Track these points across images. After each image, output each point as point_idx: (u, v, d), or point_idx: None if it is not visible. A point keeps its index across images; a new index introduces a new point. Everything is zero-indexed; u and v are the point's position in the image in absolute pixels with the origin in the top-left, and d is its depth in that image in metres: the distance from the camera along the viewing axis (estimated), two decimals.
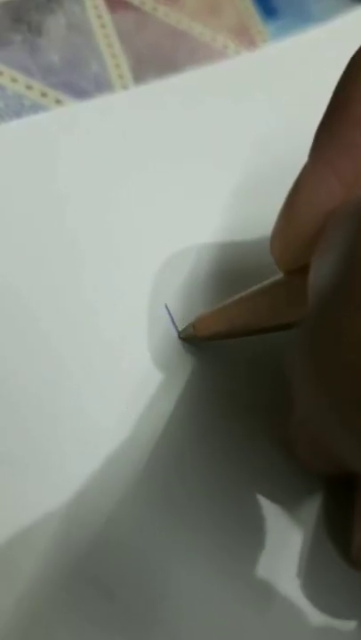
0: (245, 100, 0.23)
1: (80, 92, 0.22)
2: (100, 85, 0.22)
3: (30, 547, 0.15)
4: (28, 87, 0.22)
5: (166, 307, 0.18)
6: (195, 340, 0.18)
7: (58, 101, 0.22)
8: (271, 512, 0.17)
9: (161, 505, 0.16)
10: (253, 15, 0.26)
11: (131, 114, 0.22)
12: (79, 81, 0.22)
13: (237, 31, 0.26)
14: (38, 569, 0.15)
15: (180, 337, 0.18)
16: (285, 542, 0.16)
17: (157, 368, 0.18)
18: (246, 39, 0.26)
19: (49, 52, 0.23)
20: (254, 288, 0.15)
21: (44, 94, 0.22)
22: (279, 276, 0.15)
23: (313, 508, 0.17)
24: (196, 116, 0.22)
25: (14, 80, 0.22)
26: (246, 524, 0.16)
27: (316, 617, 0.16)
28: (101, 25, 0.24)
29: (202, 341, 0.18)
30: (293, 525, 0.17)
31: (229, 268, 0.19)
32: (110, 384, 0.17)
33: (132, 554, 0.15)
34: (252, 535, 0.16)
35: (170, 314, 0.18)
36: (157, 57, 0.24)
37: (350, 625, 0.16)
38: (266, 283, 0.15)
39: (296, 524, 0.17)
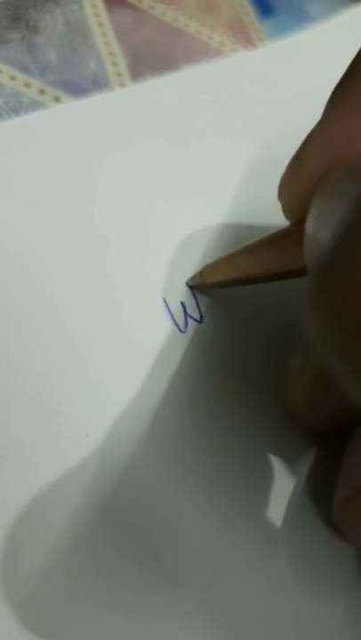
0: (242, 98, 0.23)
1: (78, 90, 0.22)
2: (98, 83, 0.23)
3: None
4: (27, 85, 0.22)
5: (164, 300, 0.19)
6: (202, 287, 0.18)
7: (56, 99, 0.22)
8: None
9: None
10: (250, 13, 0.26)
11: (129, 111, 0.22)
12: (77, 79, 0.23)
13: (234, 29, 0.26)
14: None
15: (187, 284, 0.19)
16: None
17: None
18: (243, 37, 0.26)
19: (47, 50, 0.23)
20: (261, 238, 0.16)
21: (42, 92, 0.22)
22: (285, 225, 0.16)
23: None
24: (194, 114, 0.22)
25: (12, 78, 0.22)
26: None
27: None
28: (99, 23, 0.24)
29: (208, 288, 0.19)
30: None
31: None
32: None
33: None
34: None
35: (167, 305, 0.19)
36: (155, 55, 0.24)
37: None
38: (272, 232, 0.16)
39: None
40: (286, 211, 0.15)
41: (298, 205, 0.15)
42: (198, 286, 0.19)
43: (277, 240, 0.16)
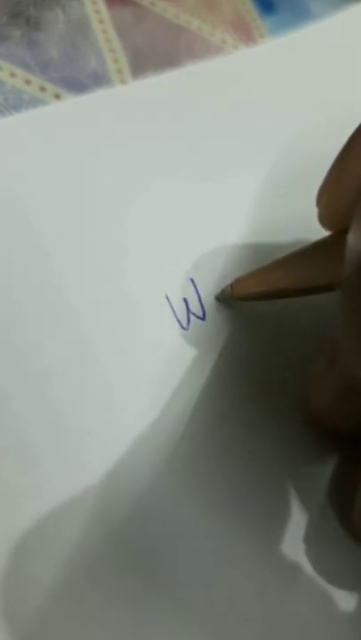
0: (244, 95, 0.23)
1: (79, 87, 0.22)
2: (99, 80, 0.22)
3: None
4: (27, 82, 0.22)
5: (166, 296, 0.18)
6: (231, 300, 0.18)
7: (57, 96, 0.22)
8: (286, 485, 0.17)
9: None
10: (251, 10, 0.26)
11: (129, 108, 0.22)
12: (78, 76, 0.22)
13: (236, 26, 0.26)
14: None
15: (216, 298, 0.19)
16: (295, 509, 0.17)
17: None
18: (244, 34, 0.26)
19: (47, 46, 0.23)
20: (292, 252, 0.16)
21: (42, 89, 0.22)
22: (320, 238, 0.15)
23: (324, 478, 0.17)
24: (195, 111, 0.22)
25: (13, 75, 0.22)
26: (262, 495, 0.17)
27: (318, 584, 0.16)
28: (100, 20, 0.24)
29: (238, 301, 0.18)
30: (305, 495, 0.17)
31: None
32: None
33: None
34: (268, 505, 0.17)
35: (169, 302, 0.19)
36: (156, 52, 0.24)
37: (351, 595, 0.16)
38: (306, 245, 0.15)
39: (306, 493, 0.17)
40: (323, 219, 0.15)
41: (335, 216, 0.14)
42: (227, 300, 0.18)
43: (311, 254, 0.15)
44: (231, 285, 0.18)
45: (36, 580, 0.15)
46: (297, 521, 0.17)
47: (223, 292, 0.18)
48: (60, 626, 0.15)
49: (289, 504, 0.17)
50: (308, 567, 0.16)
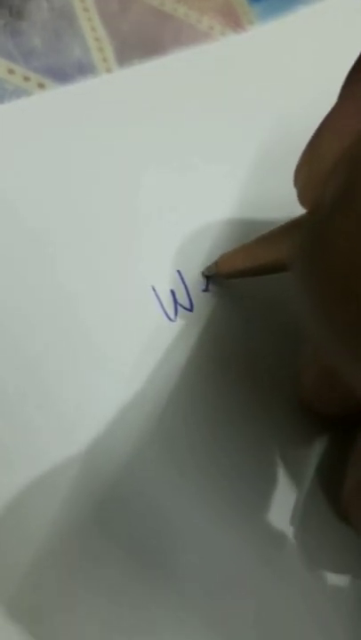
0: (232, 82, 0.23)
1: (63, 76, 0.22)
2: (84, 69, 0.22)
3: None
4: (10, 72, 0.21)
5: (153, 288, 0.18)
6: (217, 277, 0.18)
7: (41, 86, 0.21)
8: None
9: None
10: None
11: (115, 97, 0.21)
12: (62, 65, 0.22)
13: (223, 12, 0.25)
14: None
15: (203, 274, 0.19)
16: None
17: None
18: (232, 20, 0.25)
19: (31, 36, 0.22)
20: (276, 228, 0.16)
21: (26, 79, 0.21)
22: (300, 214, 0.15)
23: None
24: (182, 99, 0.22)
25: None
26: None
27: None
28: (84, 8, 0.24)
29: (224, 279, 0.18)
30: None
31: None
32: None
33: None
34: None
35: (156, 293, 0.18)
36: (142, 39, 0.23)
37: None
38: (287, 222, 0.15)
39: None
40: (301, 197, 0.15)
41: (313, 192, 0.14)
42: (213, 277, 0.18)
43: (293, 229, 0.15)
44: (216, 262, 0.18)
45: (19, 573, 0.15)
46: (286, 502, 0.17)
47: (209, 268, 0.18)
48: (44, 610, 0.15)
49: (277, 485, 0.17)
50: (296, 549, 0.16)
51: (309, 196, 0.15)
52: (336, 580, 0.16)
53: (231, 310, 0.19)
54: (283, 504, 0.17)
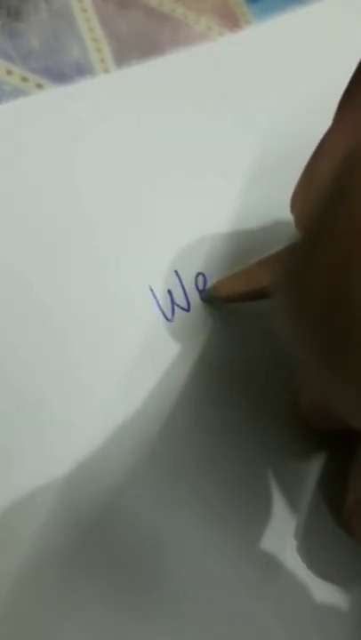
0: (229, 82, 0.23)
1: (61, 77, 0.22)
2: (82, 70, 0.22)
3: (30, 516, 0.15)
4: (9, 72, 0.21)
5: (150, 288, 0.18)
6: (216, 301, 0.18)
7: (39, 86, 0.21)
8: (275, 476, 0.17)
9: (160, 474, 0.16)
10: None
11: (113, 97, 0.21)
12: (60, 65, 0.22)
13: (221, 13, 0.25)
14: (38, 537, 0.15)
15: (202, 299, 0.19)
16: (285, 509, 0.17)
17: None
18: (230, 20, 0.25)
19: (29, 36, 0.22)
20: (273, 253, 0.16)
21: (24, 79, 0.21)
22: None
23: (313, 475, 0.17)
24: (180, 99, 0.22)
25: None
26: (247, 494, 0.17)
27: (312, 581, 0.16)
28: (82, 9, 0.24)
29: (222, 303, 0.18)
30: (293, 492, 0.17)
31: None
32: (110, 353, 0.17)
33: (133, 523, 0.16)
34: (253, 504, 0.17)
35: (153, 293, 0.18)
36: (140, 40, 0.24)
37: (347, 591, 0.16)
38: (284, 247, 0.15)
39: (296, 491, 0.17)
40: (298, 223, 0.15)
41: (310, 218, 0.14)
42: (212, 300, 0.18)
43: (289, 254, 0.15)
44: (214, 286, 0.18)
45: (12, 554, 0.15)
46: (287, 517, 0.17)
47: (207, 292, 0.18)
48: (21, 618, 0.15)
49: (276, 500, 0.17)
50: (298, 563, 0.16)
51: (306, 221, 0.15)
52: (340, 592, 0.16)
53: (228, 311, 0.19)
54: (283, 518, 0.17)
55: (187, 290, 0.18)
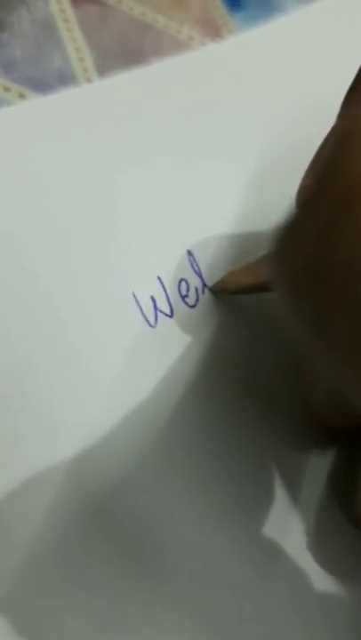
0: (212, 91, 0.23)
1: (44, 87, 0.22)
2: (64, 79, 0.22)
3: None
4: None
5: (133, 294, 0.18)
6: (223, 293, 0.19)
7: (21, 96, 0.22)
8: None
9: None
10: (219, 6, 0.26)
11: (96, 106, 0.22)
12: (43, 75, 0.22)
13: (203, 22, 0.26)
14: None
15: (210, 290, 0.19)
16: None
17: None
18: (212, 30, 0.26)
19: (12, 46, 0.22)
20: None
21: (6, 89, 0.22)
22: None
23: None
24: (162, 108, 0.22)
25: None
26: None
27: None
28: (65, 19, 0.24)
29: (231, 294, 0.19)
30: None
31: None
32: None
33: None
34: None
35: (136, 299, 0.18)
36: (122, 50, 0.24)
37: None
38: None
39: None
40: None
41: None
42: (220, 292, 0.19)
43: None
44: (222, 279, 0.19)
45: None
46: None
47: (215, 285, 0.19)
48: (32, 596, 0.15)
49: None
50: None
51: None
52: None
53: (211, 317, 0.19)
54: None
55: (169, 296, 0.18)
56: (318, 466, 0.18)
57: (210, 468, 0.17)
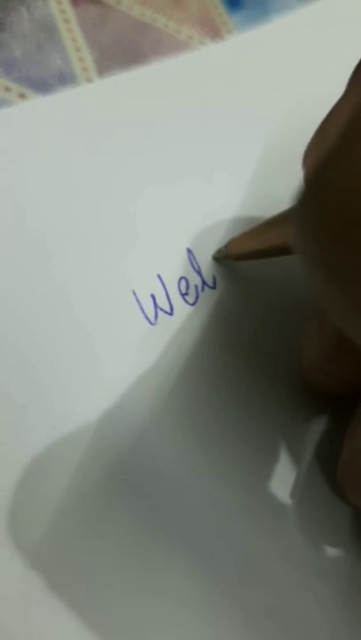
0: (211, 91, 0.23)
1: (44, 87, 0.22)
2: (64, 79, 0.22)
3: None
4: None
5: (134, 292, 0.18)
6: (227, 259, 0.19)
7: (22, 96, 0.22)
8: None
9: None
10: (218, 6, 0.26)
11: (96, 106, 0.22)
12: (43, 75, 0.22)
13: (202, 22, 0.26)
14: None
15: (214, 257, 0.19)
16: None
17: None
18: (211, 30, 0.26)
19: (12, 46, 0.23)
20: (283, 211, 0.16)
21: (7, 89, 0.22)
22: None
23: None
24: (161, 108, 0.22)
25: None
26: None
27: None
28: (65, 19, 0.24)
29: (234, 260, 0.19)
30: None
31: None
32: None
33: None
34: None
35: (136, 297, 0.19)
36: (122, 50, 0.24)
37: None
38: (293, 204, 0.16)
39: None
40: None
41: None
42: (222, 259, 0.19)
43: None
44: (226, 245, 0.19)
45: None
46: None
47: (219, 251, 0.19)
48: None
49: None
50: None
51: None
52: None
53: (211, 313, 0.19)
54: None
55: (169, 293, 0.19)
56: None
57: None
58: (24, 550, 0.15)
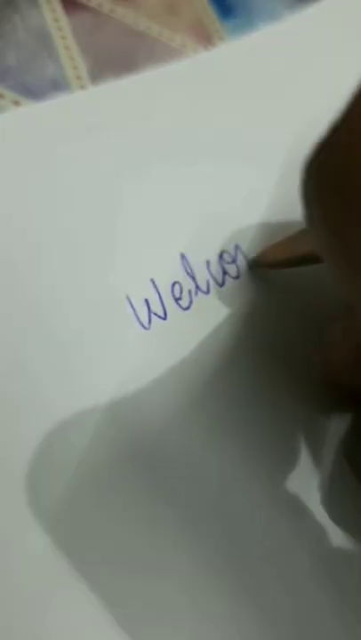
0: (204, 98, 0.23)
1: (38, 94, 0.22)
2: (58, 87, 0.23)
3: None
4: None
5: (127, 297, 0.18)
6: (260, 268, 0.20)
7: (15, 103, 0.22)
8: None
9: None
10: (210, 14, 0.27)
11: (90, 113, 0.22)
12: (37, 83, 0.22)
13: (195, 30, 0.26)
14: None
15: (248, 264, 0.20)
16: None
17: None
18: (204, 38, 0.26)
19: (6, 54, 0.23)
20: None
21: (1, 96, 0.22)
22: None
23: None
24: (155, 115, 0.22)
25: None
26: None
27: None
28: (58, 27, 0.24)
29: (268, 268, 0.20)
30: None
31: None
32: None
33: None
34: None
35: (130, 302, 0.19)
36: (115, 57, 0.24)
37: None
38: None
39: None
40: None
41: None
42: (257, 267, 0.20)
43: None
44: (260, 254, 0.19)
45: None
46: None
47: (252, 260, 0.20)
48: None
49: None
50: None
51: None
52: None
53: (205, 319, 0.19)
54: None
55: (163, 298, 0.19)
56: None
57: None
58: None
